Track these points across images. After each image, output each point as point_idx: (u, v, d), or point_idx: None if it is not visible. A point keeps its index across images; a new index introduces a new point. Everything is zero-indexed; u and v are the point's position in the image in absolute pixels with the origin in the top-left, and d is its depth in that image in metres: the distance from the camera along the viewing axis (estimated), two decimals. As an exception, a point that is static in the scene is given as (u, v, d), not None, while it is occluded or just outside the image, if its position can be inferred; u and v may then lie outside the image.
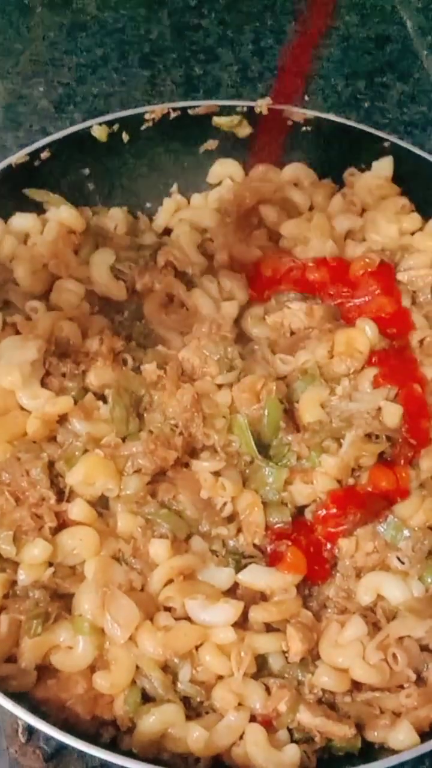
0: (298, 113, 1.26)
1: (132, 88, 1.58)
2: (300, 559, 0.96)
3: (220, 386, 1.06)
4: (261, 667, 0.93)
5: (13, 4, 1.70)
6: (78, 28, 1.67)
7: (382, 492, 1.01)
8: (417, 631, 0.92)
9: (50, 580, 0.93)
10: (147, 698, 0.90)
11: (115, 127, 1.22)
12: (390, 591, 0.94)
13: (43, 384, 1.03)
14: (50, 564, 0.94)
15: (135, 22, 1.70)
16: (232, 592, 0.95)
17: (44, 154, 1.18)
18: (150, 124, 1.23)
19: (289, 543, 0.98)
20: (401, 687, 0.92)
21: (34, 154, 1.18)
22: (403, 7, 1.80)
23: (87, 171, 1.24)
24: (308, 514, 1.00)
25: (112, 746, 0.88)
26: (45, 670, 0.91)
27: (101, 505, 0.98)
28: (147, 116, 1.23)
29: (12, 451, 0.98)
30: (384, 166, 1.25)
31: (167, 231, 1.25)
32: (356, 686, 0.92)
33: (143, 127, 1.23)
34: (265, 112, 1.26)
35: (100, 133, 1.21)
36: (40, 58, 1.65)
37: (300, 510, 1.01)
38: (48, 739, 0.93)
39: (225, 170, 1.28)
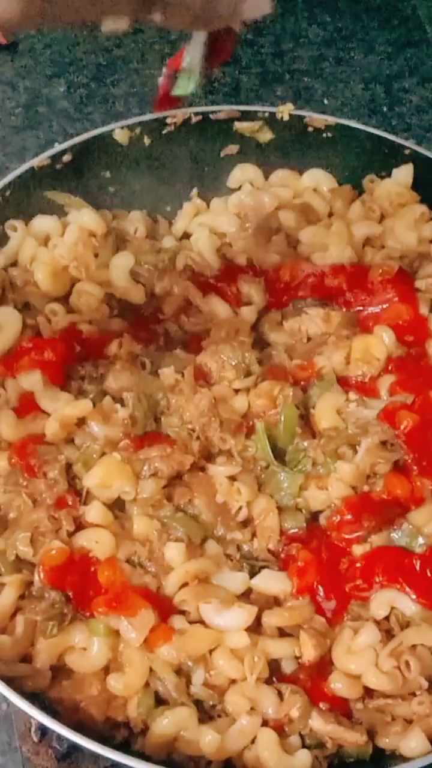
0: (319, 119, 1.26)
1: (151, 89, 1.59)
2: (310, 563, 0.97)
3: (237, 391, 1.06)
4: (273, 672, 0.93)
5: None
6: (99, 28, 1.68)
7: (397, 499, 1.01)
8: (430, 639, 0.92)
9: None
10: (160, 701, 0.91)
11: (137, 130, 1.22)
12: (403, 603, 0.94)
13: (63, 387, 1.04)
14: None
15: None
16: (245, 596, 0.96)
17: (66, 158, 1.19)
18: (171, 128, 1.23)
19: (300, 546, 0.98)
20: (413, 694, 0.92)
21: (56, 157, 1.18)
22: (423, 12, 1.80)
23: (108, 174, 1.24)
24: (323, 520, 1.01)
25: (125, 747, 0.89)
26: (59, 670, 0.92)
27: (117, 507, 0.99)
28: (168, 120, 1.22)
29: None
30: (404, 174, 1.25)
31: (186, 235, 1.25)
32: (368, 693, 0.92)
33: (165, 131, 1.23)
34: (286, 117, 1.26)
35: (121, 136, 1.22)
36: (61, 58, 1.66)
37: (314, 516, 1.01)
38: (61, 738, 0.94)
39: (245, 175, 1.28)
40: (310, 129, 1.27)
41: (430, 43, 1.76)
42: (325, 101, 1.65)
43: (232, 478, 1.00)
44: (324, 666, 0.93)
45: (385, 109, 1.65)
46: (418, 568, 0.95)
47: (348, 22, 1.79)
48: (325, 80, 1.69)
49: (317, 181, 1.28)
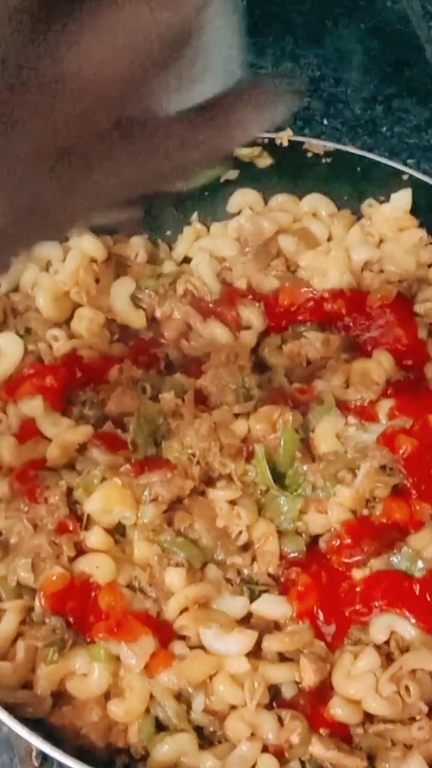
0: (318, 145, 1.27)
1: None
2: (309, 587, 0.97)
3: (237, 416, 1.07)
4: (274, 697, 0.93)
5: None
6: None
7: (396, 523, 1.01)
8: (430, 663, 0.92)
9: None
10: (161, 727, 0.91)
11: (138, 156, 1.23)
12: (403, 627, 0.94)
13: (64, 412, 1.05)
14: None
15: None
16: (245, 621, 0.96)
17: (67, 183, 1.19)
18: (171, 153, 1.24)
19: (300, 570, 0.98)
20: (413, 719, 0.92)
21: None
22: (421, 32, 1.81)
23: (109, 199, 1.25)
24: (322, 544, 1.01)
25: (126, 774, 0.90)
26: (60, 696, 0.92)
27: (118, 532, 0.99)
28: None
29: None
30: (402, 198, 1.26)
31: (187, 259, 1.26)
32: (368, 718, 0.92)
33: (164, 157, 1.24)
34: (285, 143, 1.27)
35: (122, 162, 1.22)
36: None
37: (314, 540, 1.02)
38: (62, 764, 0.94)
39: (245, 200, 1.29)
40: (309, 154, 1.28)
41: (429, 63, 1.77)
42: (325, 121, 1.66)
43: (232, 503, 1.00)
44: (324, 691, 0.93)
45: (384, 128, 1.66)
46: (417, 592, 0.96)
47: (347, 43, 1.81)
48: (324, 100, 1.70)
49: (316, 205, 1.29)
